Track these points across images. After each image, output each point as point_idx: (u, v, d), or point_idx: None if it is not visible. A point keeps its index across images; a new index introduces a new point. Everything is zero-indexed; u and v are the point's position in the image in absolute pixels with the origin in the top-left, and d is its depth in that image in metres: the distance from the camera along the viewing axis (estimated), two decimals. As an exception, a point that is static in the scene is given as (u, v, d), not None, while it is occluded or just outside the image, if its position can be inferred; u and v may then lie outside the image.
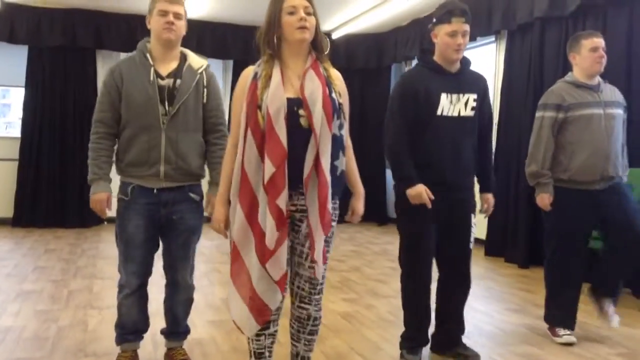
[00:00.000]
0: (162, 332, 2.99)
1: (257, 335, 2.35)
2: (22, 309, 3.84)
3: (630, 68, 4.65)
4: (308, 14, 2.25)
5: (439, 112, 2.89)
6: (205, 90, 2.77)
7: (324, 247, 2.30)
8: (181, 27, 2.72)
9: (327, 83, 2.30)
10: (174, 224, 2.75)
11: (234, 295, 2.32)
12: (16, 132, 7.87)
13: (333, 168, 2.28)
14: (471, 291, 3.14)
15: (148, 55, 2.72)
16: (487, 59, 6.74)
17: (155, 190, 2.69)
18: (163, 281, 2.90)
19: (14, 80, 7.69)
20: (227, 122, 2.83)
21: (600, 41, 3.37)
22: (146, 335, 2.94)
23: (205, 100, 2.77)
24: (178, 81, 2.70)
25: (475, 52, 7.06)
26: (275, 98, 2.20)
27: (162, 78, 2.69)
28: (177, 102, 2.67)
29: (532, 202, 3.47)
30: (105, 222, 7.77)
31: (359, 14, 7.31)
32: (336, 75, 2.38)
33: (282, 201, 2.18)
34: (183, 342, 2.99)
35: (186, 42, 2.82)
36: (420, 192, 2.86)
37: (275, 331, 2.39)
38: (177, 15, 2.68)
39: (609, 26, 4.79)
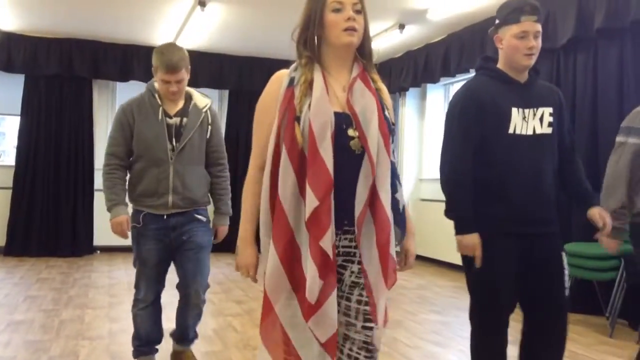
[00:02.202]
0: (171, 334, 3.22)
1: None
2: (12, 340, 3.78)
3: (622, 100, 4.69)
4: (357, 12, 1.82)
5: (510, 130, 2.35)
6: (209, 127, 3.03)
7: (386, 304, 1.84)
8: (184, 87, 2.95)
9: (379, 98, 1.87)
10: (184, 243, 2.98)
11: (264, 357, 1.85)
12: (10, 160, 7.86)
13: (394, 202, 1.86)
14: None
15: (156, 95, 2.96)
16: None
17: (164, 216, 2.94)
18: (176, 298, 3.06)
19: (10, 109, 7.71)
20: (226, 155, 3.15)
21: None
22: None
23: (208, 136, 3.03)
24: (185, 119, 2.96)
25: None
26: (320, 110, 1.76)
27: (170, 117, 2.95)
28: (184, 139, 2.93)
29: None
30: (98, 252, 7.74)
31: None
32: (385, 89, 1.94)
33: (328, 242, 1.72)
34: (190, 346, 3.23)
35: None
36: (473, 245, 2.33)
37: None
38: (179, 82, 2.88)
39: (600, 59, 4.86)
